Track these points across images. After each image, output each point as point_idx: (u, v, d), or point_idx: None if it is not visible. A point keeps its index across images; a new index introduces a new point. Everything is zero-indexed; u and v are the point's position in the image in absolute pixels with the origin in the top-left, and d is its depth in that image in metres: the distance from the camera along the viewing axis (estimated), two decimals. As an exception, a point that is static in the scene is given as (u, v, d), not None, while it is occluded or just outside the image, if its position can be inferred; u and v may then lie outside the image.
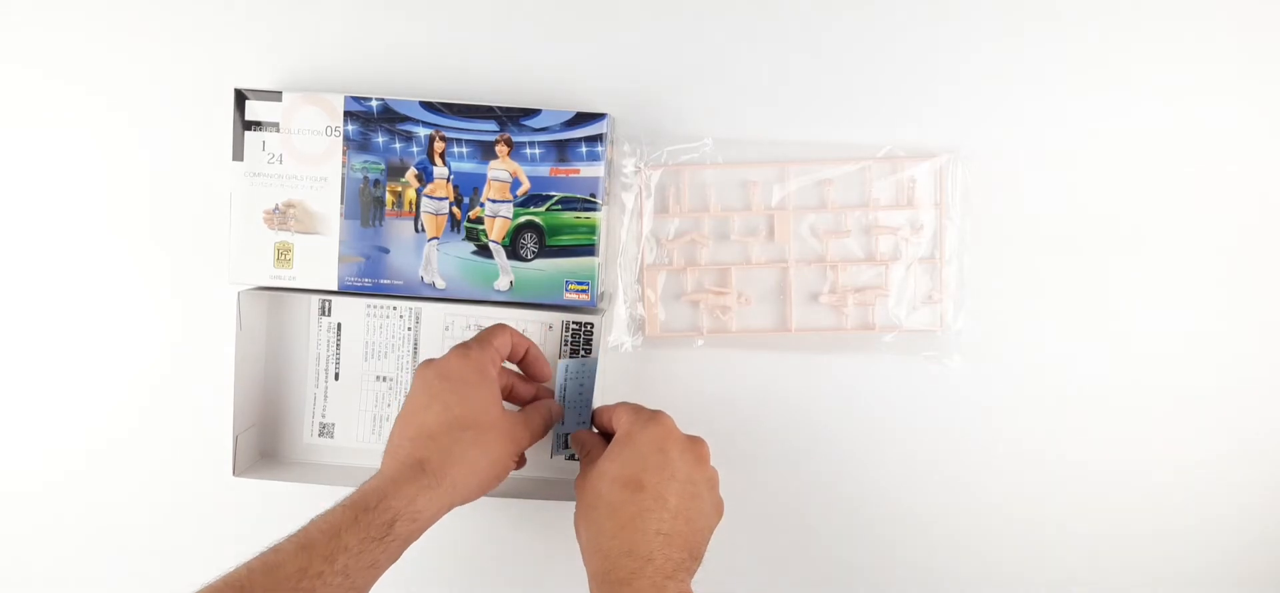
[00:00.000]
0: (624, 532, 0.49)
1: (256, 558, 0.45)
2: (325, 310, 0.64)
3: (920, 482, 0.66)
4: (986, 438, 0.65)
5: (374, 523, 0.47)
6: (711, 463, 0.55)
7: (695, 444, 0.54)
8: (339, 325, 0.64)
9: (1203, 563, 0.66)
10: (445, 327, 0.64)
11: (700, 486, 0.53)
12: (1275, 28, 0.63)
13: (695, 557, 0.51)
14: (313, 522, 0.47)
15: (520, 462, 0.58)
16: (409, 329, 0.64)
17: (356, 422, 0.66)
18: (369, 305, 0.64)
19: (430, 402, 0.52)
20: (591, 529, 0.51)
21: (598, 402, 0.61)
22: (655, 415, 0.54)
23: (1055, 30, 0.63)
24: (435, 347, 0.64)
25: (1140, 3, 0.63)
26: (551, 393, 0.62)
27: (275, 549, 0.46)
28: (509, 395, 0.59)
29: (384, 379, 0.65)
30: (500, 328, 0.57)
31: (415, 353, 0.64)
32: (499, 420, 0.54)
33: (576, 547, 0.67)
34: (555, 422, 0.59)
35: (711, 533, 0.54)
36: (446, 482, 0.50)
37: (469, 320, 0.64)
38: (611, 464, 0.52)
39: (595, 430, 0.59)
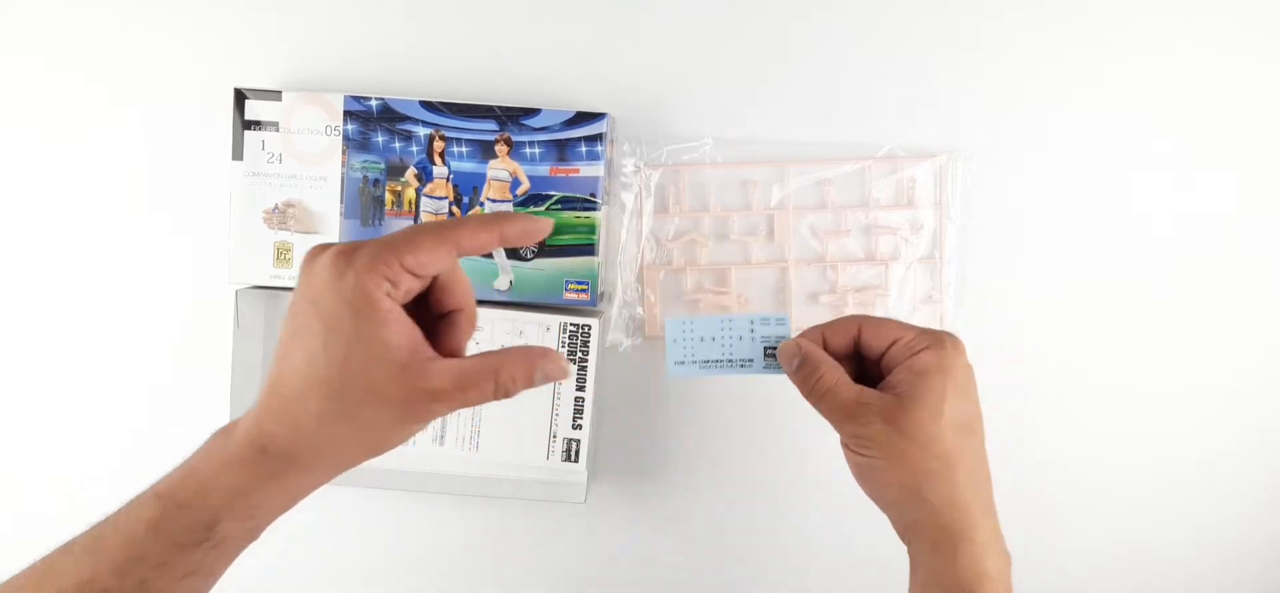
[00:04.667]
0: (979, 484, 0.43)
1: (37, 562, 0.36)
2: None
3: (920, 482, 0.66)
4: (986, 437, 0.65)
5: (185, 524, 0.36)
6: None
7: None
8: None
9: (1203, 563, 0.66)
10: None
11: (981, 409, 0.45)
12: (1275, 26, 0.63)
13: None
14: (111, 516, 0.37)
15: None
16: None
17: None
18: None
19: (293, 347, 0.36)
20: (940, 486, 0.42)
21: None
22: (955, 340, 0.45)
23: (1055, 30, 0.63)
24: None
25: (1140, 2, 0.63)
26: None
27: (64, 549, 0.36)
28: (433, 336, 0.39)
29: None
30: (435, 236, 0.37)
31: None
32: (390, 385, 0.36)
33: (576, 547, 0.67)
34: (515, 391, 0.39)
35: None
36: (297, 467, 0.37)
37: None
38: (945, 404, 0.42)
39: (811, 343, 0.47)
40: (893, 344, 0.44)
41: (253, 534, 0.38)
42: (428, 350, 0.37)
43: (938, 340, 0.43)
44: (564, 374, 0.41)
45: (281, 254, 0.62)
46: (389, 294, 0.36)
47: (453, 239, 0.37)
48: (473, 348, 0.40)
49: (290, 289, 0.63)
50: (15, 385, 0.68)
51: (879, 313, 0.64)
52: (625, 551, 0.67)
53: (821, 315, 0.64)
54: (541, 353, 0.39)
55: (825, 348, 0.46)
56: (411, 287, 0.37)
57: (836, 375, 0.44)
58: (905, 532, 0.44)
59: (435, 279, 0.39)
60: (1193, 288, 0.64)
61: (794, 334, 0.49)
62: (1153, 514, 0.66)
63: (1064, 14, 0.63)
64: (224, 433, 0.38)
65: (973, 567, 0.41)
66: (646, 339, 0.65)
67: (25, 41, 0.66)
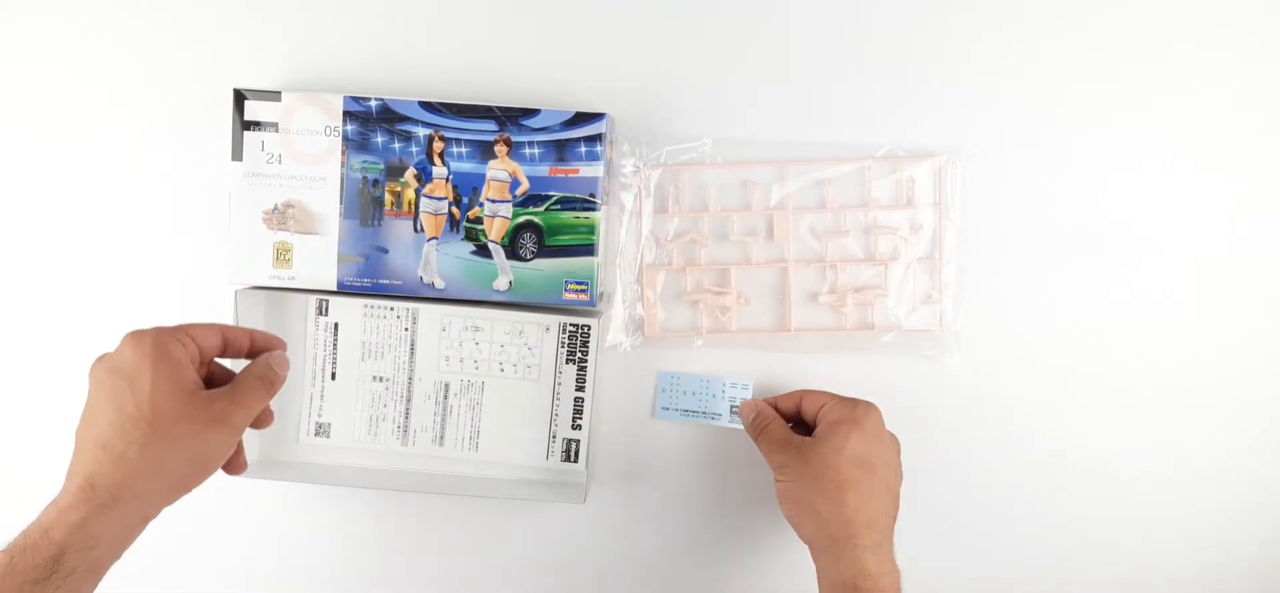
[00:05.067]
0: (866, 505, 0.54)
1: None
2: (322, 310, 0.64)
3: (919, 481, 0.66)
4: (986, 438, 0.65)
5: (32, 563, 0.41)
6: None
7: (893, 436, 0.59)
8: (336, 325, 0.64)
9: (1204, 563, 0.66)
10: (443, 327, 0.64)
11: (897, 463, 0.59)
12: (1275, 24, 0.62)
13: (895, 519, 0.58)
14: None
15: (269, 418, 0.53)
16: (406, 330, 0.64)
17: (353, 422, 0.65)
18: (366, 306, 0.64)
19: (102, 404, 0.46)
20: (832, 502, 0.54)
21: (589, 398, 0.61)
22: (869, 404, 0.58)
23: (1055, 30, 0.63)
24: (432, 347, 0.64)
25: (1140, 2, 0.63)
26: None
27: None
28: (219, 382, 0.52)
29: (381, 380, 0.65)
30: (207, 326, 0.51)
31: (412, 353, 0.64)
32: (193, 406, 0.46)
33: (576, 547, 0.67)
34: (277, 378, 0.52)
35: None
36: (125, 494, 0.44)
37: (467, 320, 0.64)
38: (847, 444, 0.55)
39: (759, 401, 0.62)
40: (820, 408, 0.58)
41: (96, 567, 0.44)
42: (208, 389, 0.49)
43: (852, 404, 0.57)
44: (285, 364, 0.53)
45: (281, 254, 0.62)
46: (180, 349, 0.48)
47: (219, 328, 0.52)
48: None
49: (290, 289, 0.63)
50: (15, 385, 0.68)
51: (878, 312, 0.64)
52: (625, 551, 0.67)
53: (821, 315, 0.65)
54: (273, 353, 0.53)
55: (776, 408, 0.61)
56: (194, 354, 0.49)
57: (777, 423, 0.59)
58: (807, 541, 0.57)
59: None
60: (1193, 288, 0.64)
61: (756, 391, 0.65)
62: (1153, 513, 0.66)
63: (1064, 15, 0.63)
64: (66, 480, 0.46)
65: (854, 565, 0.53)
66: (646, 339, 0.65)
67: (25, 42, 0.66)
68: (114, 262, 0.67)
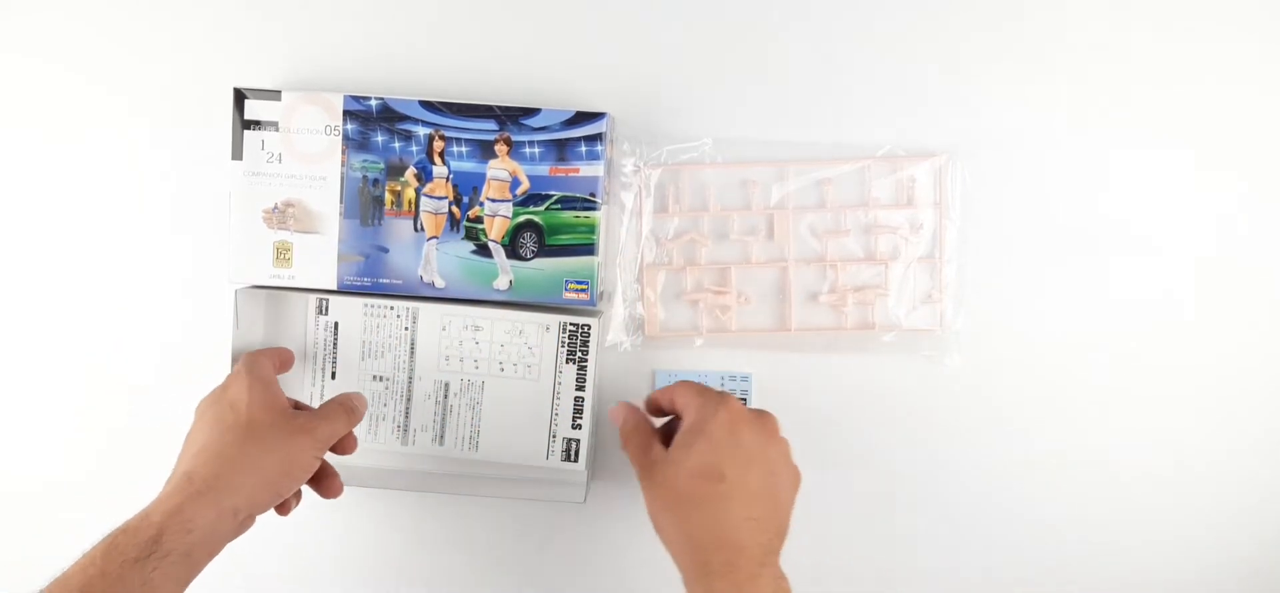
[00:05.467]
0: (714, 524, 0.48)
1: None
2: (322, 309, 0.64)
3: (919, 481, 0.66)
4: (986, 437, 0.65)
5: (133, 543, 0.45)
6: (780, 434, 0.53)
7: (763, 418, 0.53)
8: (336, 324, 0.64)
9: (1204, 563, 0.66)
10: (443, 326, 0.64)
11: (776, 462, 0.52)
12: (1275, 24, 0.63)
13: (782, 533, 0.51)
14: (75, 560, 0.45)
15: (352, 444, 0.59)
16: (406, 329, 0.64)
17: None
18: (367, 305, 0.64)
19: (204, 421, 0.53)
20: (677, 525, 0.50)
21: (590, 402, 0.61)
22: (722, 398, 0.52)
23: (1056, 29, 0.63)
24: (432, 346, 0.64)
25: (1141, 3, 0.63)
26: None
27: None
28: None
29: (380, 379, 0.64)
30: (271, 350, 0.61)
31: (412, 353, 0.64)
32: (283, 418, 0.53)
33: (576, 547, 0.67)
34: (357, 410, 0.58)
35: (793, 503, 0.53)
36: (220, 486, 0.49)
37: (467, 320, 0.64)
38: (688, 456, 0.50)
39: (639, 405, 0.58)
40: (680, 411, 0.54)
41: (191, 552, 0.47)
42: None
43: (702, 406, 0.51)
44: (364, 403, 0.60)
45: (281, 254, 0.62)
46: (269, 368, 0.57)
47: (285, 353, 0.62)
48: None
49: (290, 289, 0.63)
50: (15, 385, 0.68)
51: (878, 312, 0.64)
52: (625, 551, 0.67)
53: (821, 315, 0.65)
54: (355, 393, 0.59)
55: (659, 406, 0.56)
56: (277, 365, 0.60)
57: (641, 432, 0.54)
58: (683, 576, 0.50)
59: None
60: (1193, 288, 0.64)
61: (756, 390, 0.65)
62: (1153, 513, 0.66)
63: (1064, 14, 0.63)
64: (162, 487, 0.50)
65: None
66: (646, 339, 0.65)
67: (25, 41, 0.66)
68: (114, 261, 0.67)
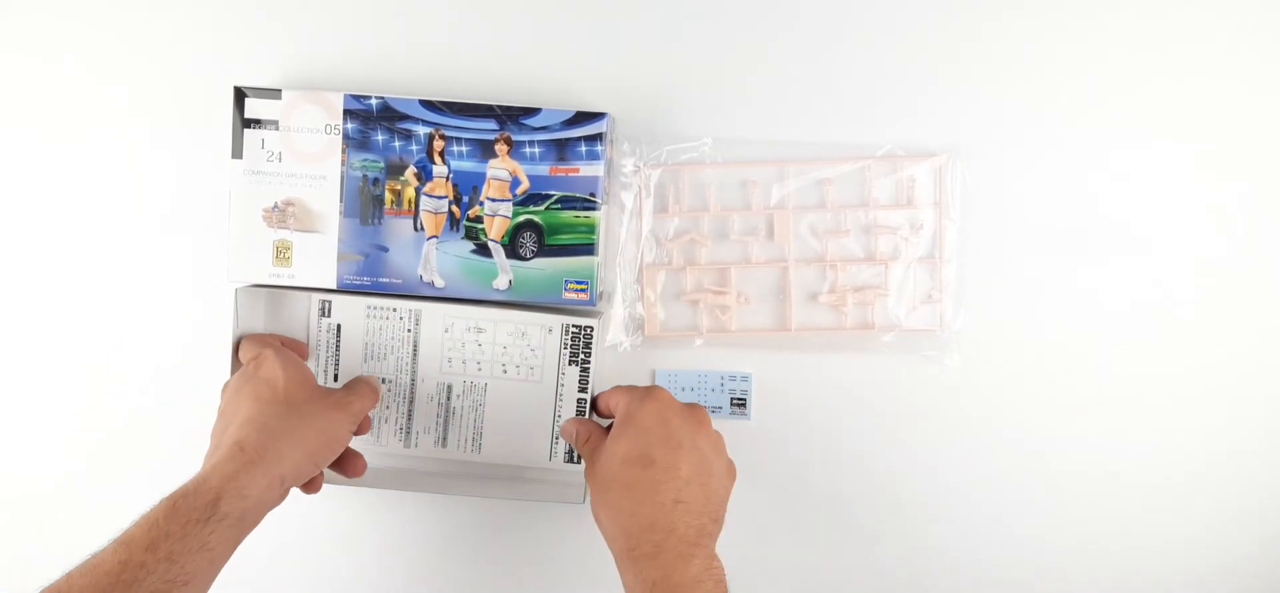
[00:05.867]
0: (642, 508, 0.50)
1: (76, 567, 0.45)
2: (325, 311, 0.63)
3: (920, 481, 0.66)
4: (986, 437, 0.65)
5: (194, 505, 0.47)
6: (713, 427, 0.55)
7: (694, 410, 0.55)
8: (338, 326, 0.64)
9: (1203, 563, 0.66)
10: (445, 328, 0.63)
11: (706, 450, 0.53)
12: (1275, 23, 0.63)
13: (716, 520, 0.52)
14: (134, 522, 0.47)
15: (364, 426, 0.61)
16: (409, 331, 0.63)
17: None
18: (369, 306, 0.63)
19: (241, 398, 0.54)
20: (609, 511, 0.51)
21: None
22: (650, 390, 0.55)
23: (1056, 29, 0.63)
24: (435, 348, 0.64)
25: (1140, 3, 0.63)
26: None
27: (96, 553, 0.46)
28: None
29: (384, 381, 0.64)
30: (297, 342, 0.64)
31: (415, 355, 0.64)
32: (318, 394, 0.56)
33: (576, 547, 0.67)
34: (379, 394, 0.62)
35: (728, 494, 0.54)
36: (269, 456, 0.51)
37: (469, 322, 0.63)
38: (618, 445, 0.52)
39: (594, 418, 0.62)
40: (616, 406, 0.56)
41: (244, 517, 0.50)
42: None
43: (630, 397, 0.55)
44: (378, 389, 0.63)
45: (281, 252, 0.62)
46: (298, 357, 0.59)
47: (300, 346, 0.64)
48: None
49: (290, 288, 0.63)
50: (15, 384, 0.68)
51: (878, 312, 0.64)
52: (624, 550, 0.67)
53: (821, 315, 0.65)
54: (373, 379, 0.63)
55: (600, 411, 0.61)
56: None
57: (593, 435, 0.57)
58: (617, 563, 0.52)
59: None
60: (1193, 288, 0.64)
61: (755, 390, 0.65)
62: (1153, 513, 0.66)
63: (1065, 14, 0.63)
64: (211, 450, 0.53)
65: (636, 581, 0.49)
66: (646, 339, 0.65)
67: (25, 40, 0.66)
68: (114, 259, 0.67)
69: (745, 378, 0.65)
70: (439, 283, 0.62)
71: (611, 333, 0.65)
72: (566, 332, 0.63)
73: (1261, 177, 0.64)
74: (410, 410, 0.64)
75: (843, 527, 0.66)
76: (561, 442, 0.64)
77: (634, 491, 0.50)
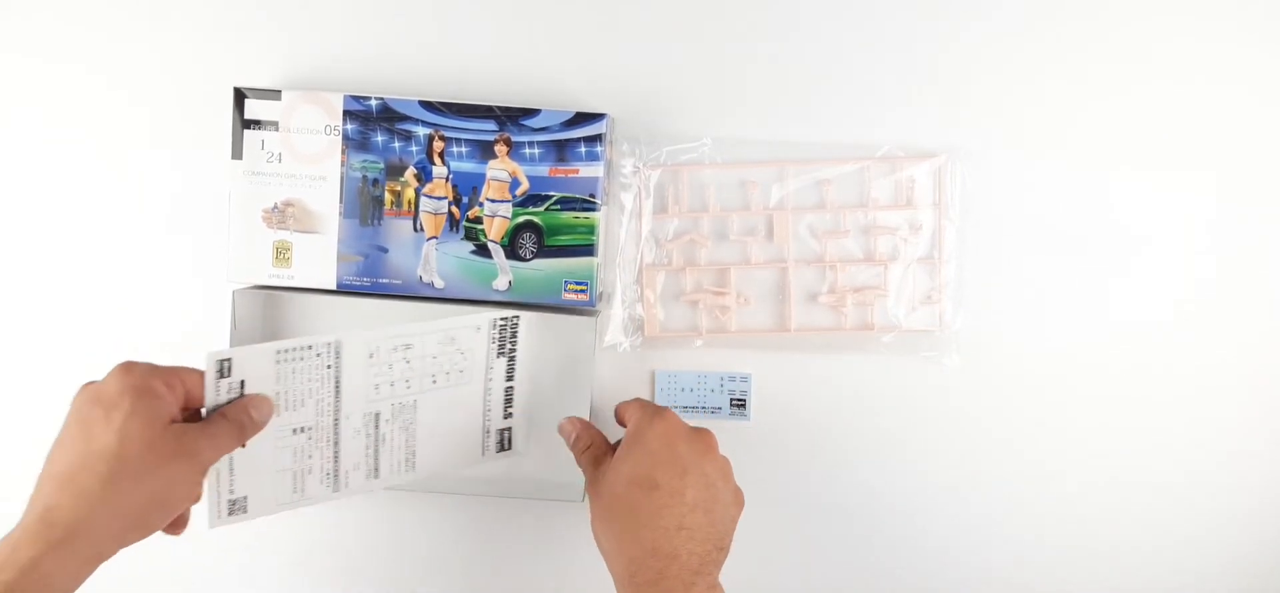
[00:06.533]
0: (645, 532, 0.48)
1: None
2: (224, 371, 0.50)
3: (919, 481, 0.66)
4: (985, 437, 0.65)
5: None
6: (721, 452, 0.54)
7: (702, 435, 0.53)
8: (242, 383, 0.51)
9: (1203, 563, 0.66)
10: (370, 353, 0.55)
11: (713, 476, 0.51)
12: (1276, 25, 0.63)
13: (721, 548, 0.50)
14: None
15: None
16: (329, 367, 0.54)
17: (274, 485, 0.54)
18: (279, 352, 0.52)
19: (74, 433, 0.45)
20: (612, 532, 0.50)
21: (589, 399, 0.60)
22: (660, 411, 0.53)
23: (1054, 30, 0.63)
24: (359, 379, 0.55)
25: (1140, 3, 0.63)
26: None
27: None
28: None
29: (301, 431, 0.54)
30: (201, 373, 0.49)
31: (337, 393, 0.55)
32: (160, 438, 0.45)
33: (576, 547, 0.67)
34: (250, 422, 0.50)
35: (735, 522, 0.53)
36: (81, 533, 0.42)
37: (396, 342, 0.56)
38: (624, 465, 0.51)
39: (586, 419, 0.59)
40: (628, 420, 0.54)
41: None
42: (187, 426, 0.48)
43: (639, 417, 0.53)
44: (264, 409, 0.51)
45: (281, 253, 0.62)
46: (163, 385, 0.47)
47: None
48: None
49: (289, 289, 0.63)
50: (14, 384, 0.68)
51: (878, 312, 0.64)
52: (624, 551, 0.67)
53: (821, 315, 0.65)
54: (253, 397, 0.51)
55: (620, 418, 0.57)
56: (181, 395, 0.48)
57: (594, 443, 0.56)
58: (616, 585, 0.50)
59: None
60: (1193, 288, 0.64)
61: (755, 391, 0.65)
62: (1152, 513, 0.66)
63: (1065, 14, 0.63)
64: (26, 510, 0.44)
65: None
66: (646, 339, 0.65)
67: (25, 40, 0.66)
68: (114, 260, 0.67)
69: (745, 378, 0.65)
70: (439, 284, 0.62)
71: (611, 333, 0.65)
72: (494, 327, 0.59)
73: (1261, 177, 0.64)
74: (336, 454, 0.56)
75: (842, 527, 0.66)
76: (493, 435, 0.62)
77: (637, 514, 0.49)
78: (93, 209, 0.66)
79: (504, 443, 0.62)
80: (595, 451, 0.55)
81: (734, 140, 0.64)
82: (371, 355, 0.55)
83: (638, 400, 0.56)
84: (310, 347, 0.53)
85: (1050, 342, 0.65)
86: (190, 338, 0.67)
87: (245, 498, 0.54)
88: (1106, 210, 0.64)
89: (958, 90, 0.63)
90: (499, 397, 0.61)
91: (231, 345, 0.61)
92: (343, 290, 0.63)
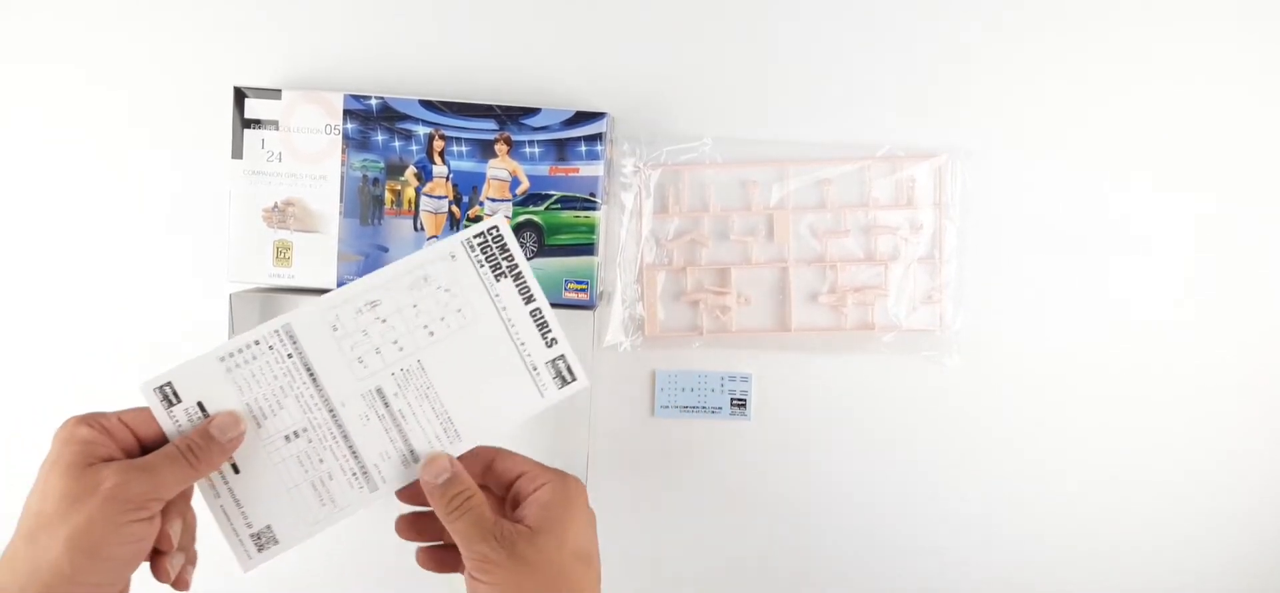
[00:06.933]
0: None
1: None
2: (170, 398, 0.47)
3: (919, 481, 0.66)
4: (985, 437, 0.65)
5: None
6: None
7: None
8: (199, 404, 0.47)
9: (1203, 563, 0.66)
10: (333, 326, 0.48)
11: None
12: (1275, 25, 0.63)
13: None
14: None
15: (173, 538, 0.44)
16: (289, 356, 0.48)
17: (295, 503, 0.48)
18: (223, 356, 0.47)
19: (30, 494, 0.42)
20: None
21: (589, 399, 0.58)
22: (578, 482, 0.48)
23: (1055, 30, 0.63)
24: (333, 357, 0.48)
25: (1140, 4, 0.63)
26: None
27: None
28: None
29: (295, 435, 0.48)
30: (143, 411, 0.46)
31: (314, 381, 0.48)
32: (72, 486, 0.40)
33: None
34: (205, 448, 0.44)
35: None
36: None
37: (356, 302, 0.48)
38: (566, 533, 0.45)
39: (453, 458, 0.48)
40: (519, 476, 0.47)
41: None
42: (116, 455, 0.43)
43: (561, 478, 0.46)
44: (229, 427, 0.46)
45: (281, 253, 0.62)
46: (93, 433, 0.42)
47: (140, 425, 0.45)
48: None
49: (288, 289, 0.63)
50: (14, 385, 0.68)
51: (878, 312, 0.64)
52: (625, 551, 0.67)
53: (821, 315, 0.65)
54: (216, 417, 0.46)
55: (505, 471, 0.48)
56: (125, 439, 0.44)
57: (480, 499, 0.45)
58: None
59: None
60: (1193, 288, 0.64)
61: (755, 390, 0.63)
62: (1152, 513, 0.66)
63: (1065, 14, 0.63)
64: None
65: None
66: (646, 339, 0.65)
67: (26, 40, 0.65)
68: (114, 259, 0.67)
69: (745, 378, 0.65)
70: (439, 283, 0.62)
71: (611, 333, 0.65)
72: (470, 249, 0.50)
73: (1261, 177, 0.64)
74: (351, 449, 0.49)
75: (842, 527, 0.66)
76: (542, 372, 0.51)
77: (579, 588, 0.45)
78: (93, 209, 0.66)
79: (563, 375, 0.51)
80: (481, 507, 0.45)
81: (734, 140, 0.64)
82: (335, 328, 0.48)
83: (528, 460, 0.49)
84: (257, 341, 0.47)
85: (1050, 342, 0.65)
86: (190, 338, 0.67)
87: (269, 528, 0.49)
88: (1106, 210, 0.64)
89: (958, 90, 0.63)
90: (527, 325, 0.50)
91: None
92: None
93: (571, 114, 0.61)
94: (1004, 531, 0.66)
